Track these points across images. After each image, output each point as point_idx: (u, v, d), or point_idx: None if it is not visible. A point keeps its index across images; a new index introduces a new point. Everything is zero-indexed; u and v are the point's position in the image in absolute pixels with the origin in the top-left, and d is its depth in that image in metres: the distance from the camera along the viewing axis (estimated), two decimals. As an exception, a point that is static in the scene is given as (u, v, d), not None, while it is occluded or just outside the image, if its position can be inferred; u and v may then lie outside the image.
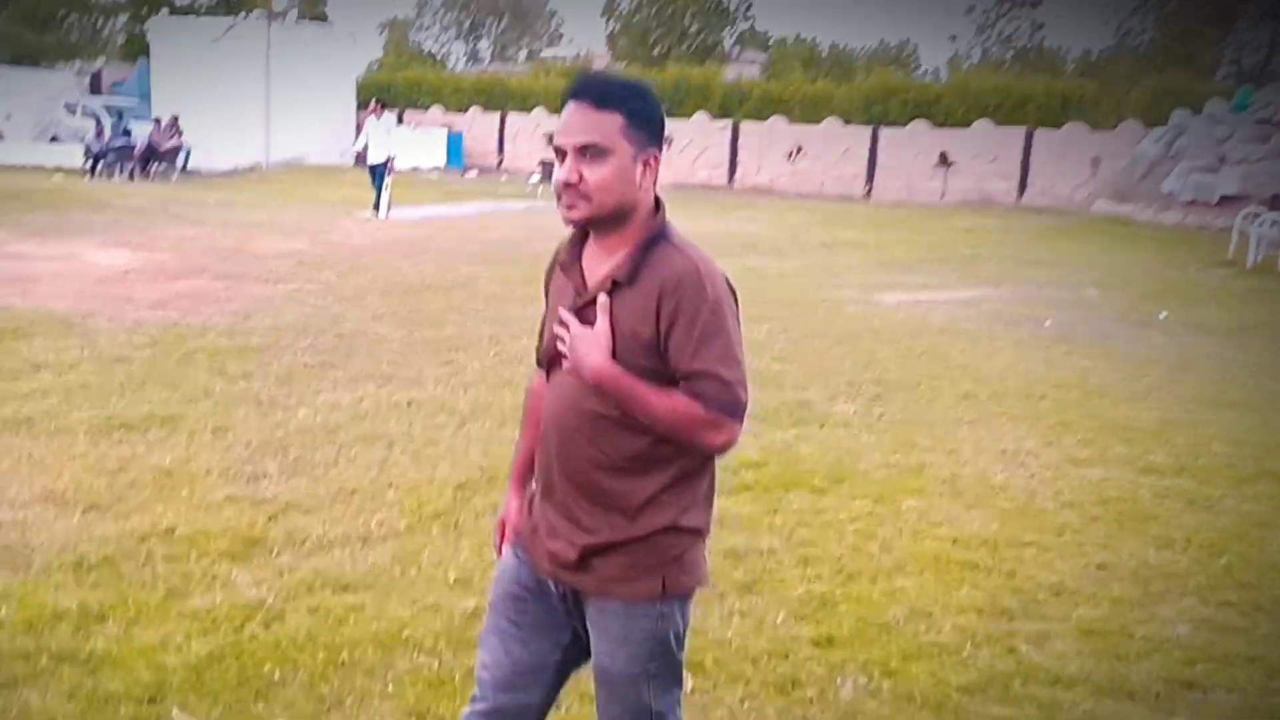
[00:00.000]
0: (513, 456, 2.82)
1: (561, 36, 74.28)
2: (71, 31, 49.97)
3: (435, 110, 40.14)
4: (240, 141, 32.90)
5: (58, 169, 27.74)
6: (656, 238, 2.41)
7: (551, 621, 2.58)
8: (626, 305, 2.37)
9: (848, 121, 34.31)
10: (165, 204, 20.72)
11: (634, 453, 2.40)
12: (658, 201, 2.45)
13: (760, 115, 35.86)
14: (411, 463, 6.27)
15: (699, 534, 2.51)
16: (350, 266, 13.67)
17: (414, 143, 37.88)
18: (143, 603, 4.35)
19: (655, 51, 47.20)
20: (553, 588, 2.56)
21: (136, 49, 43.55)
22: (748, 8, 51.40)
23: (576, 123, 2.35)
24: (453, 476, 6.04)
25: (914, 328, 11.30)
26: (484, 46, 76.68)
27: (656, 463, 2.41)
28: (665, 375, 2.35)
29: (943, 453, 6.84)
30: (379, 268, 13.63)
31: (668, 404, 2.33)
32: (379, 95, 40.68)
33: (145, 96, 34.69)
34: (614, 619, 2.48)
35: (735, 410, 2.34)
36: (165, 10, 46.35)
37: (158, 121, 29.06)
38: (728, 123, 35.89)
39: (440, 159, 37.56)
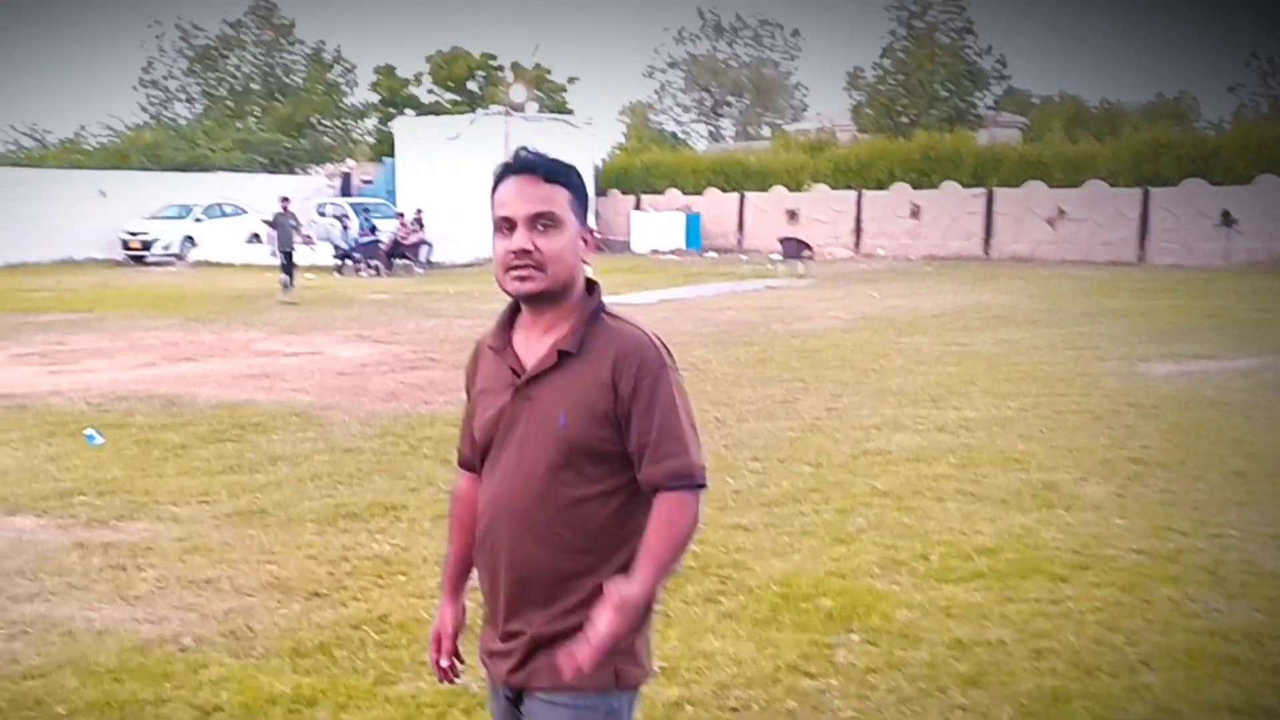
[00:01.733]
0: (444, 564, 2.80)
1: (806, 109, 74.92)
2: (324, 135, 54.19)
3: (673, 192, 41.17)
4: (481, 234, 34.62)
5: (310, 267, 29.95)
6: (597, 311, 2.50)
7: None
8: (576, 376, 2.42)
9: (1113, 183, 33.07)
10: (408, 297, 22.02)
11: (594, 532, 2.42)
12: (590, 282, 2.54)
13: (1016, 181, 35.03)
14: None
15: (648, 619, 2.47)
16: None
17: (652, 225, 38.97)
18: (353, 688, 4.61)
19: (902, 120, 46.96)
20: (506, 700, 2.54)
21: (384, 149, 46.78)
22: (1003, 68, 50.49)
23: (527, 194, 2.43)
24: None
25: (1182, 400, 10.72)
26: (726, 125, 78.25)
27: (618, 541, 2.42)
28: (616, 443, 2.40)
29: (1204, 537, 6.44)
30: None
31: (668, 537, 2.35)
32: (618, 180, 42.38)
33: (391, 194, 37.15)
34: (566, 713, 2.41)
35: (697, 486, 2.40)
36: (411, 111, 49.73)
37: (401, 217, 31.00)
38: (981, 190, 35.23)
39: (679, 241, 38.40)
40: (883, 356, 13.87)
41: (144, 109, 54.29)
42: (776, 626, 5.24)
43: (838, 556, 6.21)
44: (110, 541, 6.56)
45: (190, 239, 34.02)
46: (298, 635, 5.17)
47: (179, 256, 33.42)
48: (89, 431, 9.25)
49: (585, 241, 2.50)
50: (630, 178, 42.87)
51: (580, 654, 2.27)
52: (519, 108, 39.49)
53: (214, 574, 6.01)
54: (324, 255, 30.67)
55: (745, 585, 5.78)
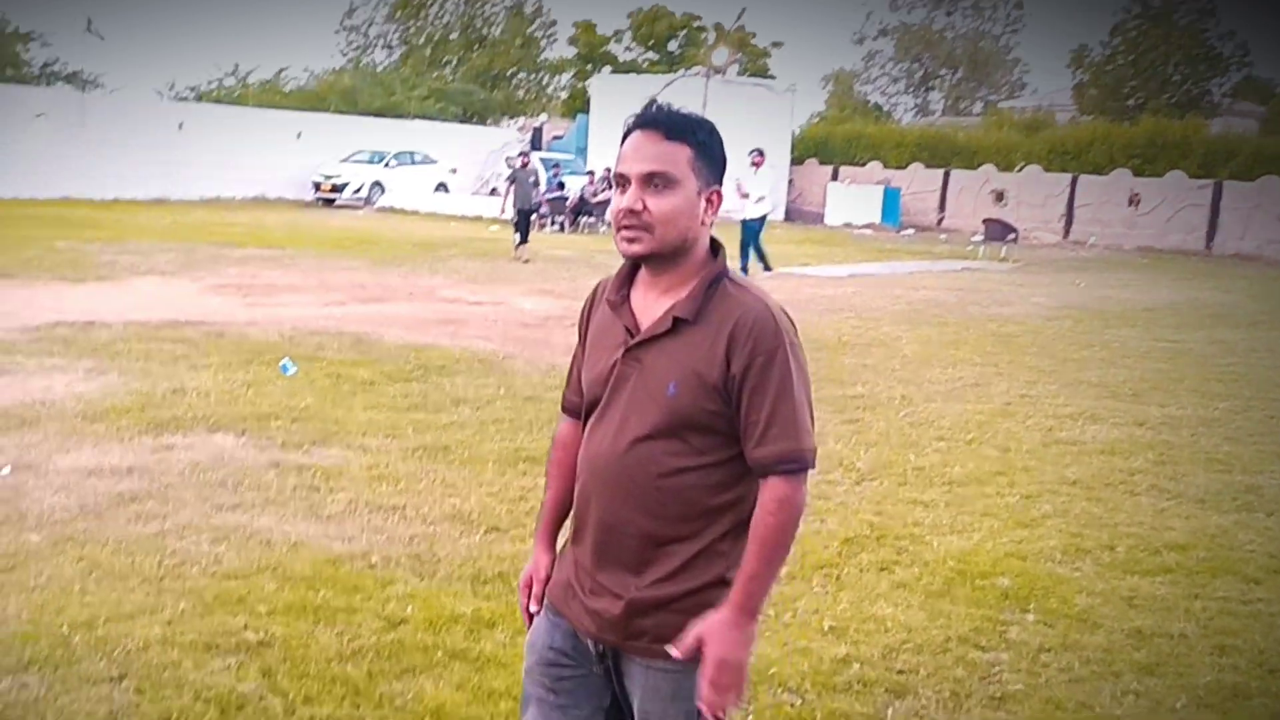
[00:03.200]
0: (539, 509, 2.86)
1: (1024, 87, 72.99)
2: (519, 89, 55.47)
3: (873, 165, 40.84)
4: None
5: (494, 219, 30.85)
6: (719, 277, 2.48)
7: (591, 687, 2.57)
8: (689, 344, 2.43)
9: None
10: (590, 254, 22.55)
11: (693, 501, 2.44)
12: (715, 244, 2.53)
13: (1249, 174, 33.60)
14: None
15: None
16: (764, 322, 14.32)
17: (848, 198, 38.77)
18: (529, 616, 4.98)
19: (1128, 103, 45.43)
20: (592, 649, 2.56)
21: (577, 105, 47.66)
22: (1244, 54, 48.29)
23: (644, 151, 2.43)
24: (840, 531, 6.34)
25: None
26: (935, 99, 76.84)
27: (716, 512, 2.45)
28: (724, 417, 2.41)
29: None
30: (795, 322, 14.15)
31: (777, 522, 2.38)
32: (816, 150, 42.24)
33: (582, 151, 37.92)
34: (664, 678, 2.46)
35: (807, 469, 2.42)
36: (608, 68, 50.49)
37: (591, 175, 31.63)
38: (1209, 182, 33.92)
39: (875, 215, 38.12)
40: (1084, 347, 13.68)
41: (343, 53, 56.57)
42: (950, 599, 5.41)
43: (1019, 539, 6.32)
44: (304, 464, 7.11)
45: (379, 184, 35.39)
46: (478, 564, 5.58)
47: (367, 201, 34.82)
48: (284, 361, 9.92)
49: (710, 202, 2.48)
50: (829, 148, 42.67)
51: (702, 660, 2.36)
52: (719, 70, 39.72)
53: (400, 502, 6.48)
54: (510, 208, 31.52)
55: (921, 558, 5.96)
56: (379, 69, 52.52)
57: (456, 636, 4.73)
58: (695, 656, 2.39)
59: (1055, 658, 4.79)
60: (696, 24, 53.49)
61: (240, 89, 44.76)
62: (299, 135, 36.99)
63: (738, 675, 2.39)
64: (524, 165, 22.15)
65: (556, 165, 33.48)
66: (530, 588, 2.76)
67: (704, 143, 2.46)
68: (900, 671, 4.63)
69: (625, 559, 2.49)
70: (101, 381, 8.96)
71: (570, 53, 55.53)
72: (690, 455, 2.43)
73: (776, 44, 54.93)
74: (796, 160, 41.58)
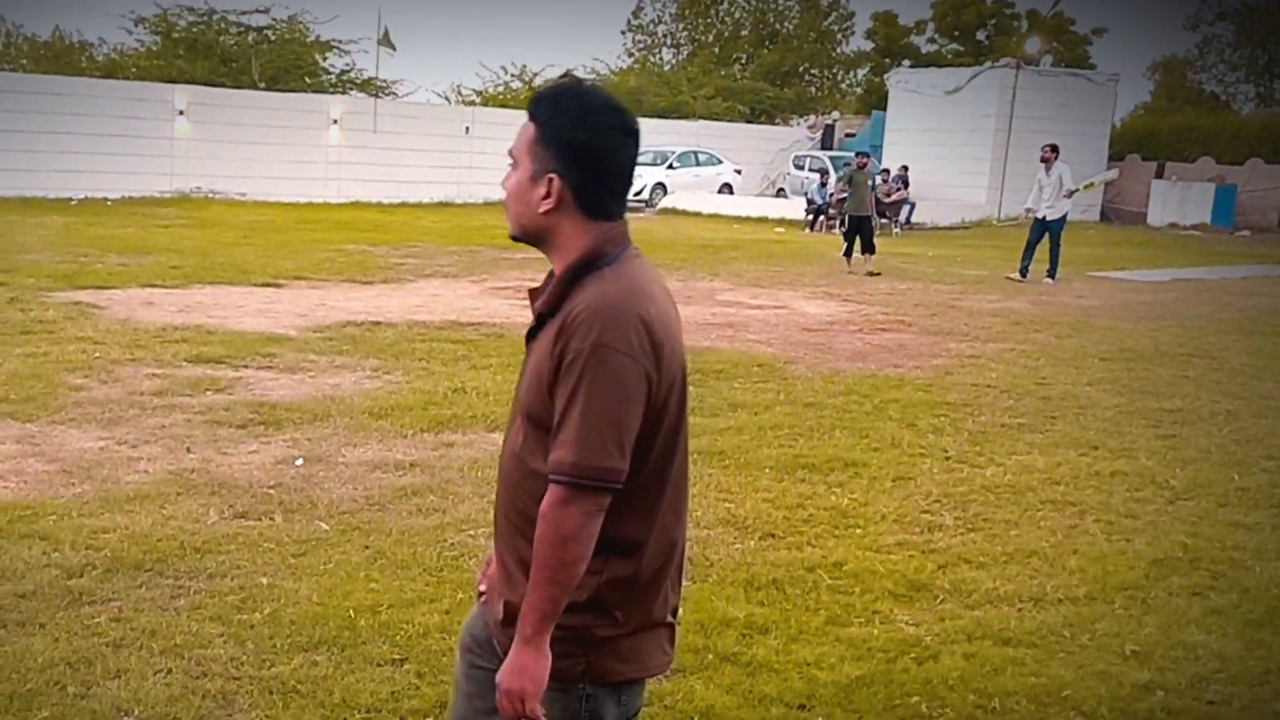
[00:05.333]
0: None
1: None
2: (810, 85, 55.52)
3: (1205, 161, 38.81)
4: (969, 195, 34.42)
5: (780, 221, 31.02)
6: (583, 267, 2.42)
7: (492, 683, 2.50)
8: (543, 339, 2.43)
9: None
10: (882, 258, 22.35)
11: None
12: (591, 232, 2.44)
13: None
14: (1103, 533, 6.46)
15: (622, 621, 2.46)
16: (1072, 328, 13.95)
17: (1174, 196, 37.02)
18: (804, 623, 5.06)
19: None
20: (496, 646, 2.60)
21: (873, 101, 47.33)
22: None
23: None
24: (1148, 551, 6.14)
25: None
26: (1280, 87, 72.19)
27: None
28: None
29: None
30: (1105, 330, 13.76)
31: (541, 532, 2.32)
32: (1138, 145, 40.52)
33: (877, 149, 37.63)
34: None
35: (578, 486, 2.30)
36: (908, 62, 49.94)
37: (885, 174, 31.36)
38: None
39: (1204, 215, 36.24)
40: None
41: (630, 53, 57.90)
42: (1272, 629, 5.17)
43: (1360, 569, 5.95)
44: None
45: (662, 186, 36.10)
46: (752, 569, 5.69)
47: (648, 203, 35.58)
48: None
49: (546, 188, 2.42)
50: (1154, 142, 40.87)
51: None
52: (1031, 61, 38.71)
53: (673, 504, 6.65)
54: (796, 209, 31.64)
55: (1240, 584, 5.71)
56: (665, 69, 53.59)
57: (728, 640, 4.86)
58: (559, 677, 2.42)
59: (1397, 699, 4.51)
60: (1008, 11, 52.23)
61: (526, 91, 46.52)
62: (583, 136, 38.13)
63: (510, 699, 2.37)
64: (861, 167, 20.97)
65: (848, 164, 33.26)
66: (489, 566, 2.79)
67: (545, 120, 2.43)
68: (1211, 703, 4.47)
69: (506, 560, 2.55)
70: (386, 380, 9.56)
71: (867, 46, 55.22)
72: (539, 456, 2.40)
73: (1098, 31, 52.65)
74: (1116, 156, 39.98)
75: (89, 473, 6.72)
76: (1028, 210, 20.94)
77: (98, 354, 9.90)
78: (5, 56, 40.31)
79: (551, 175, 2.41)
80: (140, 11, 39.25)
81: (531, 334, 2.50)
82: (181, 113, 30.04)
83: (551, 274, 2.51)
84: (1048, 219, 19.72)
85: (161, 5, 37.10)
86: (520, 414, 2.47)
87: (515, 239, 2.53)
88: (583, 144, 2.42)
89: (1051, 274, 19.53)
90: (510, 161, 2.48)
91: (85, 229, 20.74)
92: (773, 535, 6.23)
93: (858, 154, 22.24)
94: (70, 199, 26.75)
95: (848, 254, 19.91)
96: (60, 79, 31.41)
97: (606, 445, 2.30)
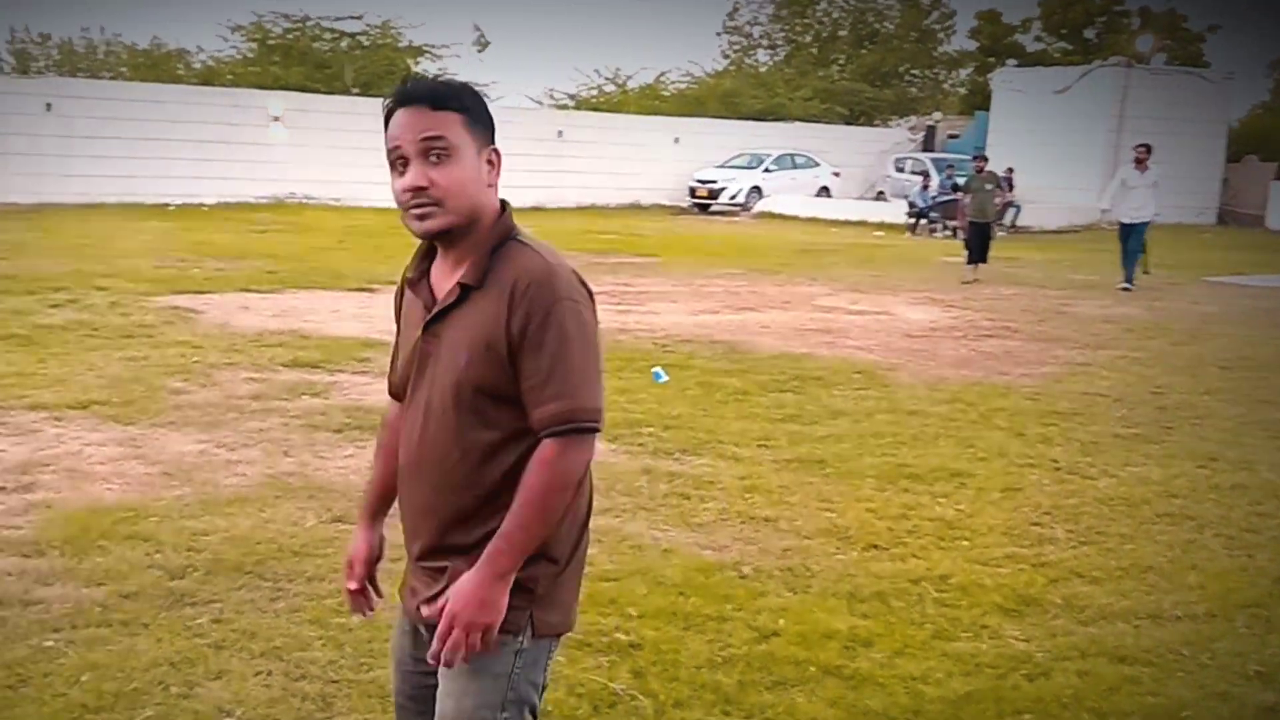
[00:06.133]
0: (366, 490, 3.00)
1: None
2: (911, 86, 55.05)
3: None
4: (1077, 198, 33.91)
5: (880, 224, 30.80)
6: (506, 239, 2.55)
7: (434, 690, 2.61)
8: (478, 311, 2.50)
9: None
10: (989, 260, 22.10)
11: (497, 477, 2.52)
12: (504, 203, 2.59)
13: None
14: (1223, 548, 6.32)
15: (561, 564, 2.59)
16: (1188, 335, 13.71)
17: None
18: (909, 637, 5.01)
19: None
20: (424, 635, 2.63)
21: (976, 101, 46.81)
22: None
23: (415, 126, 2.50)
24: (1272, 568, 6.02)
25: None
26: None
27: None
28: (513, 386, 2.47)
29: None
30: (1223, 337, 13.49)
31: (544, 477, 2.44)
32: (1257, 145, 39.65)
33: (980, 150, 37.21)
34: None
35: (585, 429, 2.47)
36: (1013, 61, 49.32)
37: (1010, 173, 30.96)
38: None
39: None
40: None
41: (725, 55, 57.78)
42: (1407, 651, 5.01)
43: None
44: (675, 471, 7.40)
45: (758, 189, 36.03)
46: (855, 581, 5.65)
47: (744, 207, 35.52)
48: (656, 370, 10.33)
49: (491, 163, 2.57)
50: (1273, 143, 39.95)
51: (443, 607, 2.48)
52: (1143, 59, 38.05)
53: (772, 514, 6.64)
54: (896, 212, 31.41)
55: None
56: (761, 70, 53.46)
57: (830, 653, 4.82)
58: (504, 629, 2.51)
59: None
60: (1119, 8, 51.40)
61: (619, 95, 46.70)
62: (676, 140, 38.20)
63: (466, 629, 2.43)
64: (979, 171, 20.37)
65: (950, 166, 32.99)
66: (351, 568, 2.90)
67: (470, 106, 2.54)
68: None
69: (442, 530, 2.59)
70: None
71: (971, 45, 54.62)
72: (490, 428, 2.51)
73: (1213, 28, 51.71)
74: (1233, 158, 39.19)
75: (189, 475, 6.88)
76: (1102, 213, 20.18)
77: (196, 358, 10.13)
78: (105, 65, 41.19)
79: (495, 151, 2.59)
80: (236, 19, 39.73)
81: (441, 315, 2.56)
82: (277, 119, 30.66)
83: (425, 259, 2.65)
84: (1132, 222, 18.89)
85: (257, 13, 37.93)
86: (456, 390, 2.52)
87: (441, 231, 2.54)
88: (492, 123, 2.60)
89: (1128, 280, 18.77)
90: (434, 155, 2.50)
91: (183, 234, 21.24)
92: (876, 546, 6.19)
93: (976, 157, 21.78)
94: (168, 204, 27.40)
95: (970, 261, 19.43)
96: (158, 86, 32.27)
97: (595, 388, 2.49)
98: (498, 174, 2.59)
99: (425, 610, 2.60)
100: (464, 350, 2.50)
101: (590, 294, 2.56)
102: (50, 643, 4.62)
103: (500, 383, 2.48)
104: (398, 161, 2.53)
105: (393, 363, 2.83)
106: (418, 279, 2.65)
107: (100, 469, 6.97)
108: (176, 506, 6.30)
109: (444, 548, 2.59)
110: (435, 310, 2.57)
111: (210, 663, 4.50)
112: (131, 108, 28.79)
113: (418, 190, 2.49)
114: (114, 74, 40.43)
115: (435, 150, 2.48)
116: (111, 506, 6.24)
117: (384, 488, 2.89)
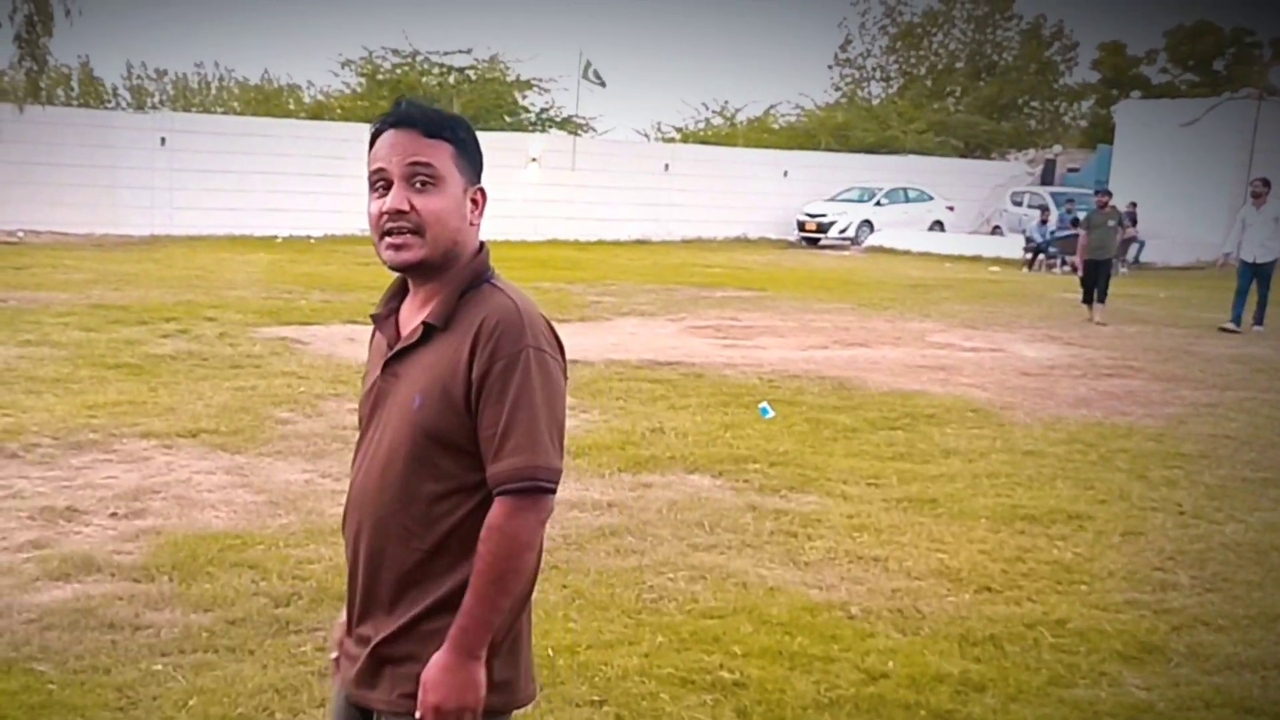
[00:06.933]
0: None
1: None
2: (1029, 118, 54.49)
3: None
4: (1203, 234, 33.24)
5: (995, 259, 30.47)
6: (479, 280, 2.47)
7: None
8: (438, 353, 2.41)
9: None
10: (1109, 299, 21.76)
11: (448, 532, 2.41)
12: (482, 244, 2.53)
13: None
14: (1359, 597, 6.15)
15: (518, 643, 2.49)
16: (1320, 378, 13.38)
17: None
18: (1023, 683, 4.95)
19: None
20: (349, 706, 2.54)
21: (1098, 135, 46.20)
22: None
23: (403, 149, 2.43)
24: None
25: None
26: None
27: (473, 545, 2.37)
28: (469, 436, 2.38)
29: None
30: (1359, 381, 13.14)
31: (498, 546, 2.33)
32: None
33: (1102, 184, 36.69)
34: None
35: (543, 489, 2.35)
36: (1138, 93, 48.62)
37: (1133, 207, 30.50)
38: None
39: None
40: None
41: (837, 88, 57.74)
42: None
43: None
44: (781, 509, 7.39)
45: (869, 223, 35.87)
46: (967, 624, 5.59)
47: (854, 241, 35.38)
48: (763, 405, 10.32)
49: (475, 202, 2.51)
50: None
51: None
52: (1275, 91, 37.27)
53: (882, 553, 6.59)
54: (1013, 247, 31.06)
55: None
56: (874, 103, 53.31)
57: (941, 696, 4.78)
58: None
59: None
60: (1249, 39, 50.48)
61: (727, 128, 46.88)
62: (785, 174, 38.21)
63: (456, 718, 2.34)
64: (1102, 206, 19.78)
65: (1070, 200, 32.57)
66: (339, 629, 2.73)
67: (463, 140, 2.49)
68: None
69: (382, 599, 2.47)
70: (584, 418, 9.71)
71: (1093, 77, 54.03)
72: (441, 479, 2.40)
73: (1348, 58, 50.46)
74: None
75: (295, 504, 7.02)
76: (1225, 256, 19.61)
77: (302, 388, 10.35)
78: (217, 100, 42.39)
79: (480, 190, 2.54)
80: (347, 54, 40.66)
81: (401, 354, 2.49)
82: (385, 152, 31.21)
83: (395, 297, 2.58)
84: (1257, 261, 18.32)
85: (367, 48, 38.77)
86: (408, 435, 2.42)
87: (419, 264, 2.46)
88: (482, 161, 2.55)
89: (1258, 320, 18.20)
90: (419, 182, 2.44)
91: (290, 266, 21.72)
92: (989, 589, 6.12)
93: (1099, 192, 21.38)
94: (276, 237, 28.06)
95: (1087, 300, 18.95)
96: (269, 120, 33.14)
97: (554, 446, 2.39)
98: (481, 214, 2.53)
99: (368, 696, 2.51)
100: (418, 393, 2.41)
101: (561, 346, 2.48)
102: (159, 666, 4.76)
103: (454, 430, 2.39)
104: (379, 183, 2.47)
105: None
106: (385, 316, 2.57)
107: (208, 496, 7.16)
108: (282, 535, 6.44)
109: (375, 602, 2.49)
110: (395, 349, 2.49)
111: (314, 690, 4.58)
112: (242, 142, 29.55)
113: (397, 214, 2.42)
114: (226, 109, 41.57)
115: (421, 177, 2.43)
116: (219, 533, 6.40)
117: None
